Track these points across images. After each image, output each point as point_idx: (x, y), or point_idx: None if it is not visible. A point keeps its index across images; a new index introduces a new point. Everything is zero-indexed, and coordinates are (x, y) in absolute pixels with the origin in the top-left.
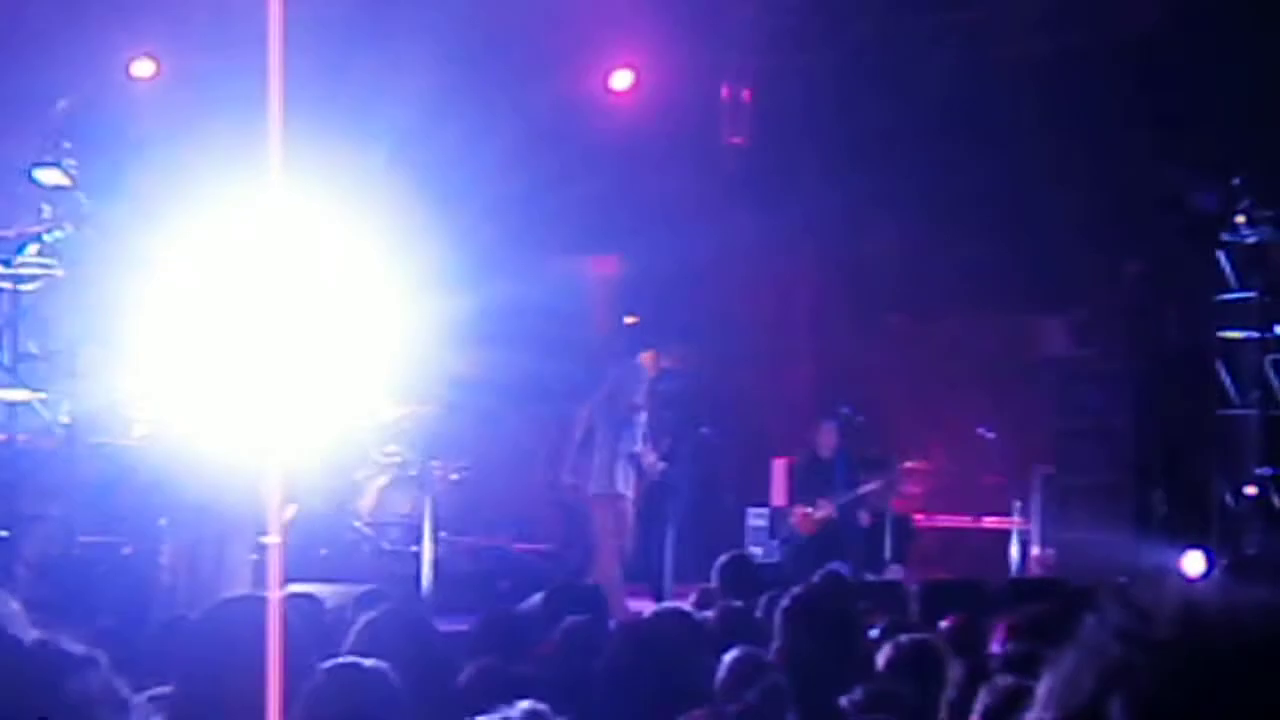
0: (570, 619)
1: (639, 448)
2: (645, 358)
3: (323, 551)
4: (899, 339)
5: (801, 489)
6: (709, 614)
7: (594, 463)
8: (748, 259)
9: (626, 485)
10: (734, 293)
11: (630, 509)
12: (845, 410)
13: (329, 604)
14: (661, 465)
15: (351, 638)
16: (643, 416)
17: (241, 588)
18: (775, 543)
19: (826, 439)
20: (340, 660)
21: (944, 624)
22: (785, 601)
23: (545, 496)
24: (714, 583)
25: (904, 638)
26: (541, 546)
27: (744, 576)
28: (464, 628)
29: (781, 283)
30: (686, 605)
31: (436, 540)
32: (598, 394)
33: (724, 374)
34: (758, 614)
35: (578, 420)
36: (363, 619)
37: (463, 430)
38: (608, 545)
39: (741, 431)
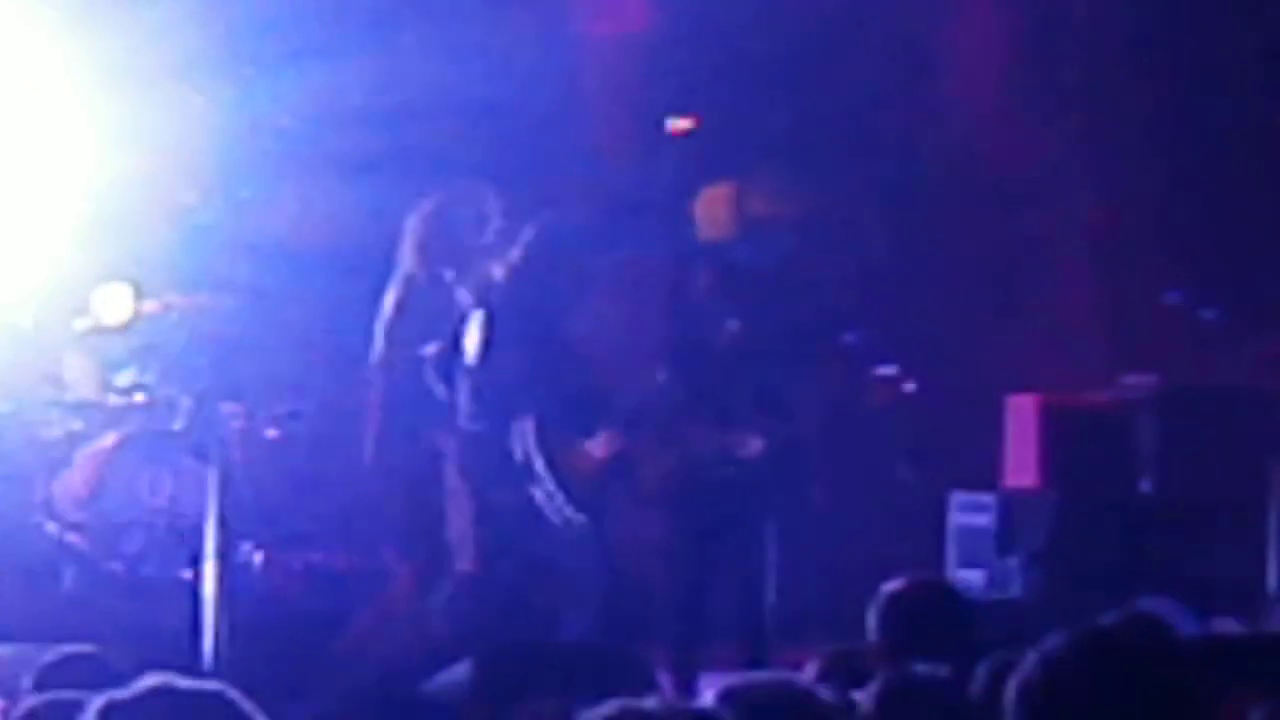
0: (525, 707)
1: None
2: (708, 199)
3: None
4: None
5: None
6: (860, 696)
7: None
8: None
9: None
10: (910, 59)
11: None
12: (1179, 298)
13: None
14: None
15: None
16: None
17: None
18: (1012, 561)
19: None
20: None
21: None
22: (1031, 671)
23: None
24: (871, 634)
25: None
26: (465, 565)
27: (939, 622)
28: None
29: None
30: (804, 677)
31: (228, 558)
32: None
33: (886, 229)
34: (972, 696)
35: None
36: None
37: (289, 344)
38: None
39: (931, 344)
